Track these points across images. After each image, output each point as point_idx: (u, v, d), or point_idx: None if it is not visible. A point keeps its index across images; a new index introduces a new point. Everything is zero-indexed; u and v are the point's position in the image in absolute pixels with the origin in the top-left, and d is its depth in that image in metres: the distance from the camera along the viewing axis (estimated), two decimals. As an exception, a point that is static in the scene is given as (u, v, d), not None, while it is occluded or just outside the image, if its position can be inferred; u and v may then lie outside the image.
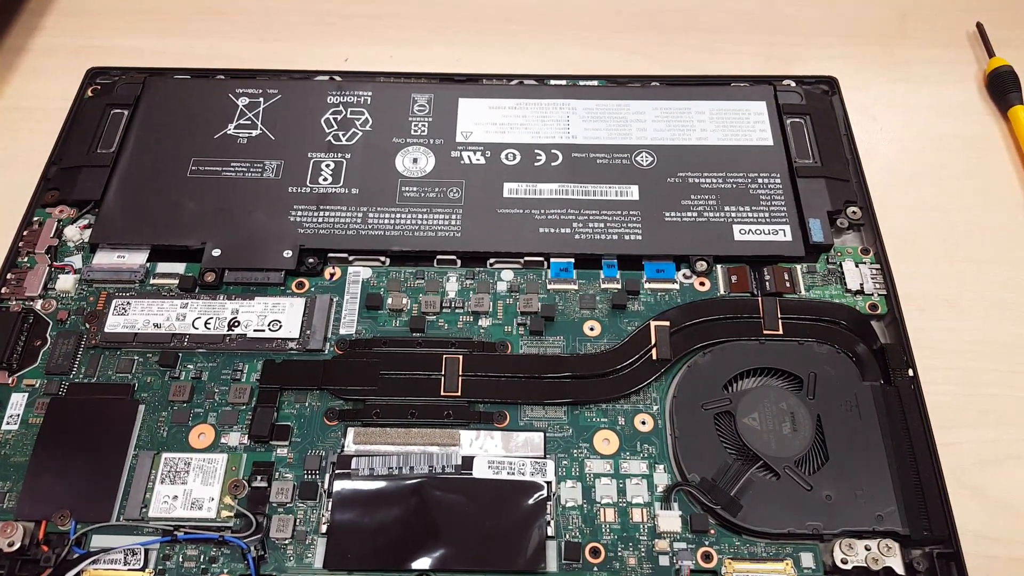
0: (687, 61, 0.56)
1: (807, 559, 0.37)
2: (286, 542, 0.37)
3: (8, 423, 0.40)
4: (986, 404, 0.43)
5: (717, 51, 0.57)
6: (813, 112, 0.50)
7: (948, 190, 0.50)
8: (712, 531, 0.37)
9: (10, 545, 0.37)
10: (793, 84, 0.52)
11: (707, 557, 0.37)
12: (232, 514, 0.37)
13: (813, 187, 0.47)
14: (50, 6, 0.59)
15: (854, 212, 0.46)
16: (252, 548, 0.36)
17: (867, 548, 0.37)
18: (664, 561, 0.37)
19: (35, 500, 0.38)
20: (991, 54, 0.55)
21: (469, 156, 0.48)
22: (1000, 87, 0.54)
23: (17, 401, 0.40)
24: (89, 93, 0.52)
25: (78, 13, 0.59)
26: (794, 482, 0.38)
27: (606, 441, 0.40)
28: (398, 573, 0.36)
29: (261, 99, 0.50)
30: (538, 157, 0.48)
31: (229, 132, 0.49)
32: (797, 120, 0.50)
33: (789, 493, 0.38)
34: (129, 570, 0.36)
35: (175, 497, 0.38)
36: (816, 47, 0.57)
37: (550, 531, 0.37)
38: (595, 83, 0.53)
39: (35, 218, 0.46)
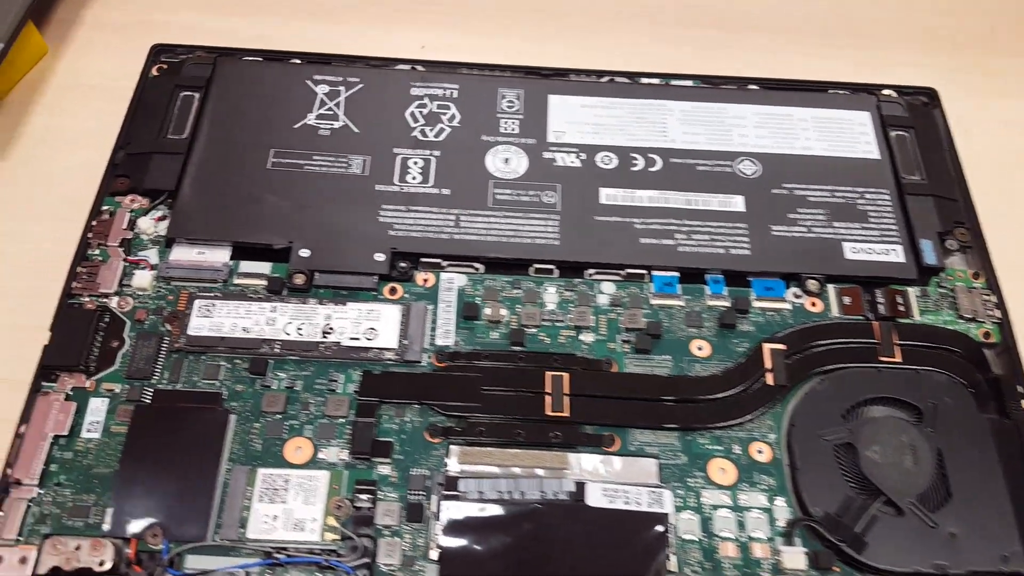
0: (776, 63, 0.54)
1: (932, 599, 0.36)
2: (394, 569, 0.35)
3: (89, 430, 0.38)
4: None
5: (807, 54, 0.55)
6: (917, 125, 0.49)
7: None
8: (836, 568, 0.36)
9: (100, 564, 0.35)
10: (894, 94, 0.50)
11: (831, 595, 0.36)
12: (337, 537, 0.36)
13: (922, 206, 0.46)
14: (103, -27, 0.56)
15: (963, 233, 0.45)
16: (358, 574, 0.35)
17: (993, 592, 0.36)
18: (787, 598, 0.36)
19: (124, 516, 0.36)
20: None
21: (563, 158, 0.46)
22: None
23: (97, 407, 0.38)
24: (154, 72, 0.49)
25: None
26: (918, 519, 0.37)
27: (722, 471, 0.38)
28: (512, 604, 0.35)
29: (342, 88, 0.48)
30: (635, 161, 0.46)
31: (310, 122, 0.47)
32: (901, 133, 0.48)
33: (913, 530, 0.37)
34: (228, 595, 0.35)
35: (275, 517, 0.36)
36: (905, 54, 0.56)
37: (671, 566, 0.35)
38: (689, 83, 0.51)
39: (104, 207, 0.44)
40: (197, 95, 0.47)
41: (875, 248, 0.44)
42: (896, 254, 0.44)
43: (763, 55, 0.55)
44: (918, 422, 0.40)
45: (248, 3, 0.55)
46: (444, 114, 0.48)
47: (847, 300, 0.43)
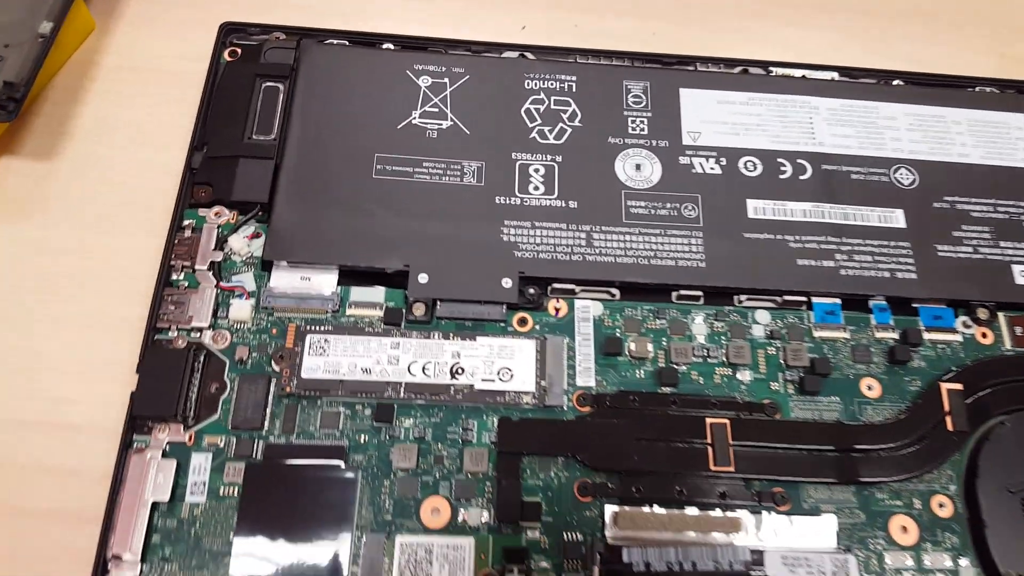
0: (909, 54, 0.48)
1: None
2: (556, 653, 0.31)
3: (193, 493, 0.33)
4: None
5: (941, 42, 0.49)
6: (1077, 127, 0.44)
7: None
8: (1037, 641, 0.33)
9: (223, 654, 0.30)
10: (1051, 89, 0.45)
11: (1033, 673, 0.32)
12: (490, 618, 0.31)
13: (1096, 221, 0.41)
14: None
15: None
16: (517, 660, 0.31)
17: None
18: (985, 677, 0.32)
19: (244, 595, 0.31)
20: None
21: (701, 164, 0.41)
22: None
23: (200, 465, 0.33)
24: (227, 57, 0.42)
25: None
26: (1126, 586, 0.33)
27: (903, 529, 0.34)
28: None
29: (446, 80, 0.42)
30: (783, 168, 0.41)
31: (415, 121, 0.40)
32: (1064, 137, 0.43)
33: (1118, 596, 0.33)
34: None
35: (418, 595, 0.31)
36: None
37: (865, 645, 0.32)
38: (829, 76, 0.45)
39: (186, 221, 0.38)
40: (282, 86, 0.41)
41: (1050, 271, 0.39)
42: (1075, 278, 0.39)
43: (904, 43, 0.49)
44: (1115, 473, 0.35)
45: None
46: (563, 111, 0.42)
47: (1019, 331, 0.38)
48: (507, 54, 0.44)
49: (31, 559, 0.33)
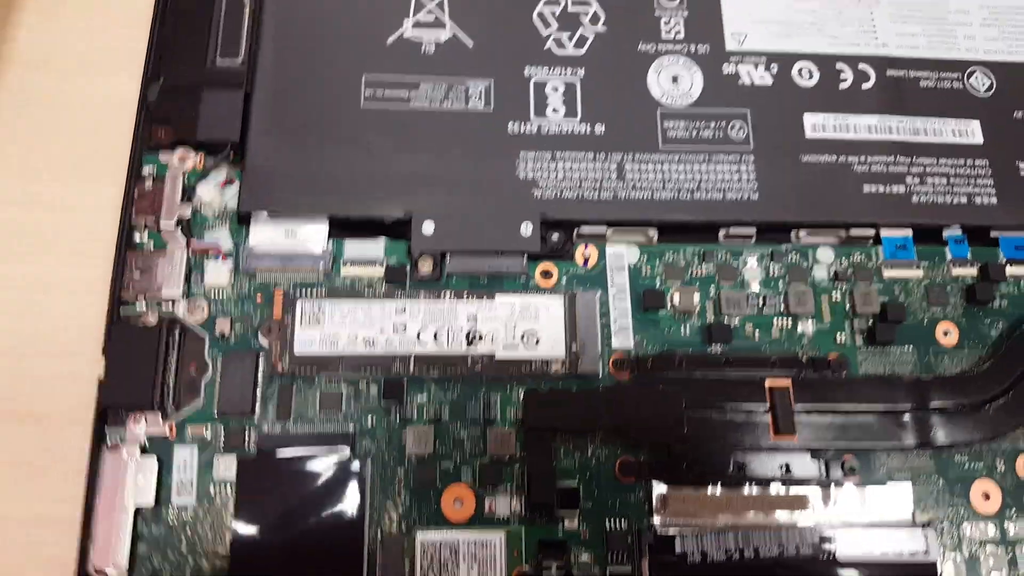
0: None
1: None
2: (602, 653, 0.27)
3: (180, 495, 0.27)
4: None
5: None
6: None
7: None
8: None
9: (228, 676, 0.26)
10: None
11: None
12: (528, 622, 0.27)
13: None
14: None
15: None
16: (560, 666, 0.26)
17: None
18: (1077, 654, 0.28)
19: (248, 609, 0.26)
20: None
21: (750, 72, 0.34)
22: None
23: (185, 461, 0.28)
24: (180, -40, 0.34)
25: None
26: None
27: (985, 496, 0.29)
28: None
29: (443, -21, 0.34)
30: (843, 75, 0.34)
31: (407, 35, 0.33)
32: None
33: None
34: None
35: (444, 600, 0.27)
36: None
37: (943, 628, 0.27)
38: (891, -42, 0.37)
39: (145, 166, 0.31)
40: (246, -3, 0.33)
41: None
42: None
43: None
44: None
45: None
46: (584, 12, 0.34)
47: (1122, 262, 0.33)
48: (512, -56, 0.35)
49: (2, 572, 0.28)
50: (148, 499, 0.27)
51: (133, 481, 0.27)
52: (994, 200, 0.32)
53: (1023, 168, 0.33)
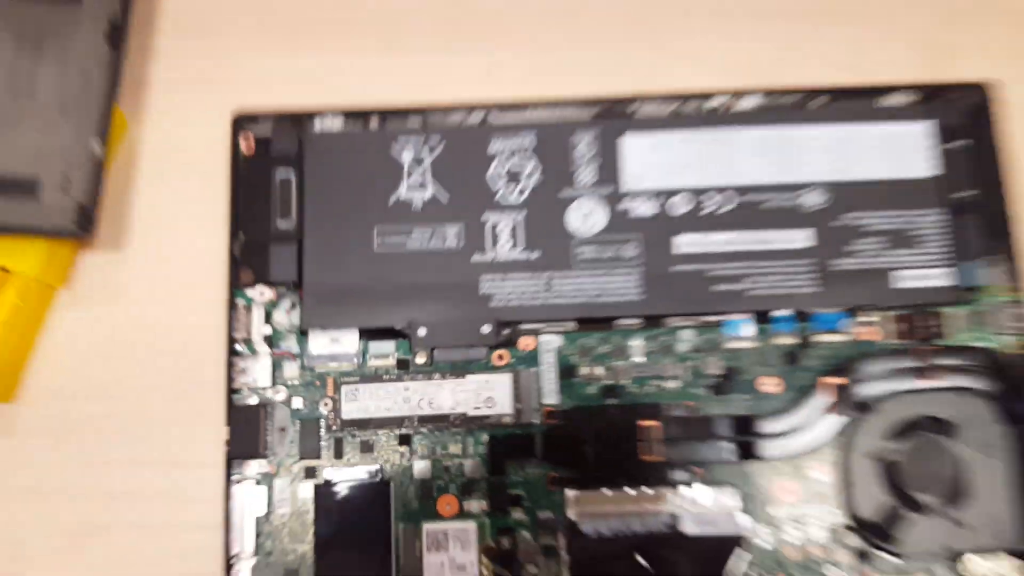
0: (834, 60, 0.62)
1: (941, 572, 0.53)
2: (537, 595, 0.54)
3: (280, 507, 0.55)
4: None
5: (867, 40, 0.63)
6: (973, 132, 0.59)
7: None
8: (874, 559, 0.54)
9: (317, 611, 0.53)
10: (953, 96, 0.59)
11: (873, 583, 0.53)
12: (490, 573, 0.54)
13: (969, 223, 0.57)
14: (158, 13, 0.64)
15: (1003, 249, 0.57)
16: (511, 602, 0.53)
17: (992, 563, 0.53)
18: (839, 589, 0.54)
19: (327, 570, 0.54)
20: None
21: (639, 207, 0.58)
22: None
23: (282, 487, 0.55)
24: (243, 148, 0.60)
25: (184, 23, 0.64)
26: (940, 515, 0.54)
27: (789, 492, 0.55)
28: (630, 614, 0.53)
29: (425, 152, 0.59)
30: (707, 203, 0.58)
31: (403, 196, 0.58)
32: (958, 144, 0.58)
33: (933, 523, 0.54)
34: (417, 624, 0.53)
35: (442, 564, 0.54)
36: (973, 35, 0.63)
37: (751, 572, 0.53)
38: (754, 100, 0.60)
39: (238, 300, 0.57)
40: (292, 174, 0.59)
41: (922, 273, 0.57)
42: (940, 278, 0.56)
43: (823, 46, 0.63)
44: (951, 437, 0.55)
45: (312, 42, 0.64)
46: (523, 168, 0.59)
47: (894, 327, 0.56)
48: (475, 114, 0.60)
49: (176, 561, 0.56)
50: (262, 511, 0.54)
51: (252, 501, 0.55)
52: (812, 289, 0.56)
53: (833, 264, 0.57)
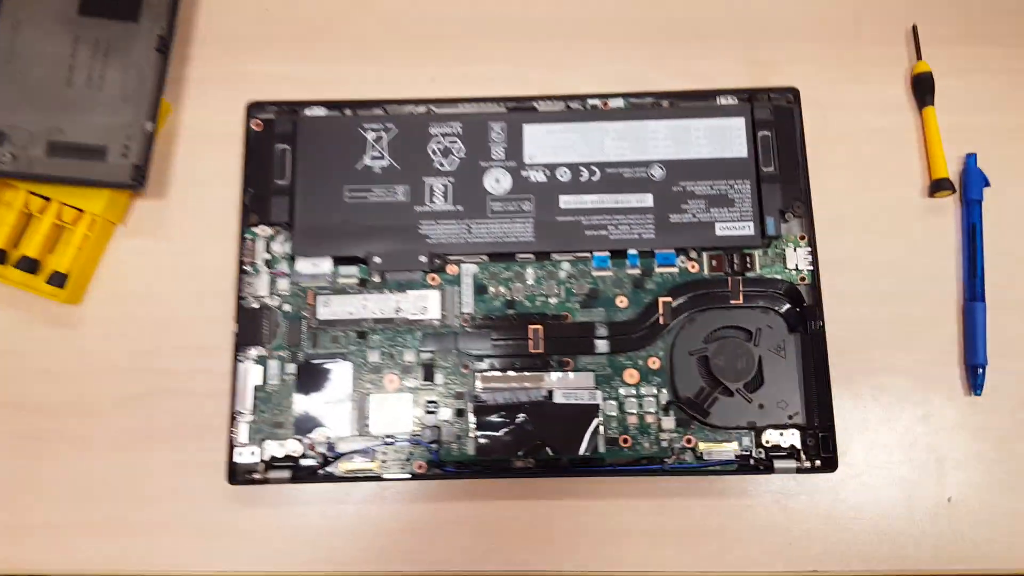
0: (688, 71, 0.84)
1: (745, 441, 0.74)
2: (452, 441, 0.74)
3: (272, 380, 0.76)
4: (873, 336, 0.78)
5: (708, 56, 0.85)
6: (778, 124, 0.80)
7: (869, 174, 0.82)
8: (692, 426, 0.75)
9: (295, 452, 0.74)
10: (767, 98, 0.81)
11: (688, 441, 0.74)
12: (420, 428, 0.75)
13: (771, 190, 0.78)
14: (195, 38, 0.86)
15: (797, 207, 0.78)
16: (433, 446, 0.74)
17: (780, 434, 0.74)
18: (664, 444, 0.74)
19: (303, 425, 0.75)
20: (919, 57, 0.83)
21: (534, 175, 0.79)
22: (920, 88, 0.83)
23: (274, 366, 0.76)
24: (253, 127, 0.81)
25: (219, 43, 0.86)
26: (742, 398, 0.75)
27: (631, 375, 0.76)
28: (516, 456, 0.74)
29: (383, 133, 0.80)
30: (582, 174, 0.79)
31: (367, 163, 0.80)
32: (766, 133, 0.80)
33: (738, 404, 0.75)
34: (366, 462, 0.74)
35: (384, 421, 0.75)
36: (788, 51, 0.85)
37: (600, 431, 0.74)
38: (621, 102, 0.82)
39: (247, 236, 0.79)
40: (288, 147, 0.80)
41: (736, 225, 0.78)
42: (749, 228, 0.78)
43: (676, 61, 0.84)
44: (749, 340, 0.76)
45: (305, 52, 0.86)
46: (454, 146, 0.80)
47: (714, 263, 0.78)
48: (420, 108, 0.81)
49: (196, 417, 0.77)
50: (259, 381, 0.75)
51: (252, 376, 0.76)
52: (653, 236, 0.78)
53: (672, 218, 0.78)
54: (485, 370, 0.76)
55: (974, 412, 0.77)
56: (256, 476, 0.74)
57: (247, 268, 0.78)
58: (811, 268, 0.78)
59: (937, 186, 0.81)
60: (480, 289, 0.78)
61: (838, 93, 0.84)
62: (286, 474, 0.74)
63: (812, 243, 0.78)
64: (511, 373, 0.76)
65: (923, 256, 0.80)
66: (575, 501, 0.76)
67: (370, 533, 0.76)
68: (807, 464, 0.74)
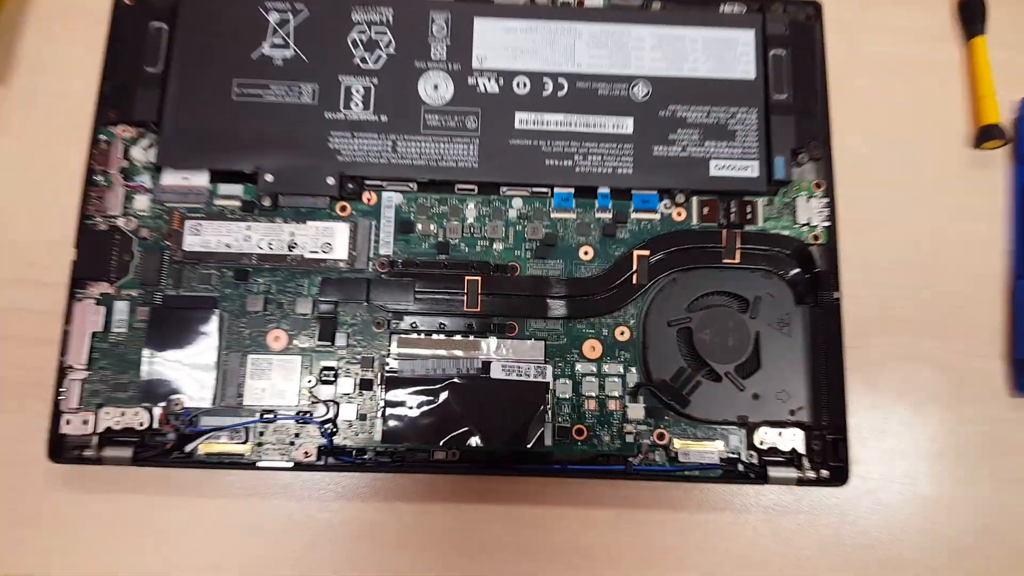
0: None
1: (734, 440, 0.56)
2: (352, 422, 0.55)
3: (117, 326, 0.56)
4: (900, 316, 0.61)
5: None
6: (795, 43, 0.62)
7: (903, 115, 0.64)
8: (667, 417, 0.56)
9: (140, 424, 0.55)
10: (783, 9, 0.63)
11: (660, 436, 0.56)
12: (310, 402, 0.55)
13: (783, 123, 0.60)
14: None
15: (814, 147, 0.60)
16: (326, 427, 0.55)
17: (780, 434, 0.56)
18: (630, 439, 0.56)
19: (153, 390, 0.55)
20: (968, -23, 0.66)
21: (484, 84, 0.60)
22: (968, 14, 0.65)
23: (121, 308, 0.56)
24: (127, 1, 0.61)
25: None
26: (731, 384, 0.56)
27: (592, 348, 0.57)
28: (436, 447, 0.55)
29: (290, 15, 0.60)
30: (546, 86, 0.60)
31: (265, 52, 0.60)
32: (779, 52, 0.62)
33: (727, 392, 0.57)
34: (235, 443, 0.55)
35: (263, 389, 0.55)
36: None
37: (547, 418, 0.55)
38: (599, 2, 0.63)
39: (101, 136, 0.59)
40: (165, 26, 0.60)
41: (736, 164, 0.60)
42: (752, 169, 0.60)
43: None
44: (744, 311, 0.58)
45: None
46: (381, 40, 0.61)
47: (706, 211, 0.60)
48: (341, -11, 0.62)
49: (15, 369, 0.57)
50: (99, 327, 0.55)
51: (91, 318, 0.56)
52: (630, 172, 0.59)
53: (657, 150, 0.60)
54: (404, 332, 0.57)
55: (1020, 417, 0.59)
56: (88, 453, 0.55)
57: (97, 178, 0.58)
58: (827, 224, 0.60)
59: (985, 134, 0.63)
60: (404, 226, 0.59)
61: (869, 13, 0.66)
62: (127, 452, 0.54)
63: (830, 193, 0.60)
64: (437, 337, 0.57)
65: (965, 220, 0.63)
66: (510, 507, 0.57)
67: (236, 536, 0.56)
68: (810, 474, 0.56)
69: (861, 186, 0.62)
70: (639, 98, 0.61)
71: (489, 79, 0.61)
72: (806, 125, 0.61)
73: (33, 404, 0.56)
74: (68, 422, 0.55)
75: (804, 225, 0.60)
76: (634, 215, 0.59)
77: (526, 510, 0.57)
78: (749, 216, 0.60)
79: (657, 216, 0.60)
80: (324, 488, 0.57)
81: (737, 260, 0.59)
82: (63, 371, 0.55)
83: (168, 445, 0.55)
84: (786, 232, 0.60)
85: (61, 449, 0.55)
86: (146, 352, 0.55)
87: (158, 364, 0.55)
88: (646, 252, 0.58)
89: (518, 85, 0.61)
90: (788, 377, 0.57)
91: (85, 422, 0.55)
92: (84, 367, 0.55)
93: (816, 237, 0.60)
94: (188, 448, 0.55)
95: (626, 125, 0.60)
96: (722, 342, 0.57)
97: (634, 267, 0.58)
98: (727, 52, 0.62)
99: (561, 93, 0.61)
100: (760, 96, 0.61)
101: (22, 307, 0.58)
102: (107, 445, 0.55)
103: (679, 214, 0.60)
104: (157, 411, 0.55)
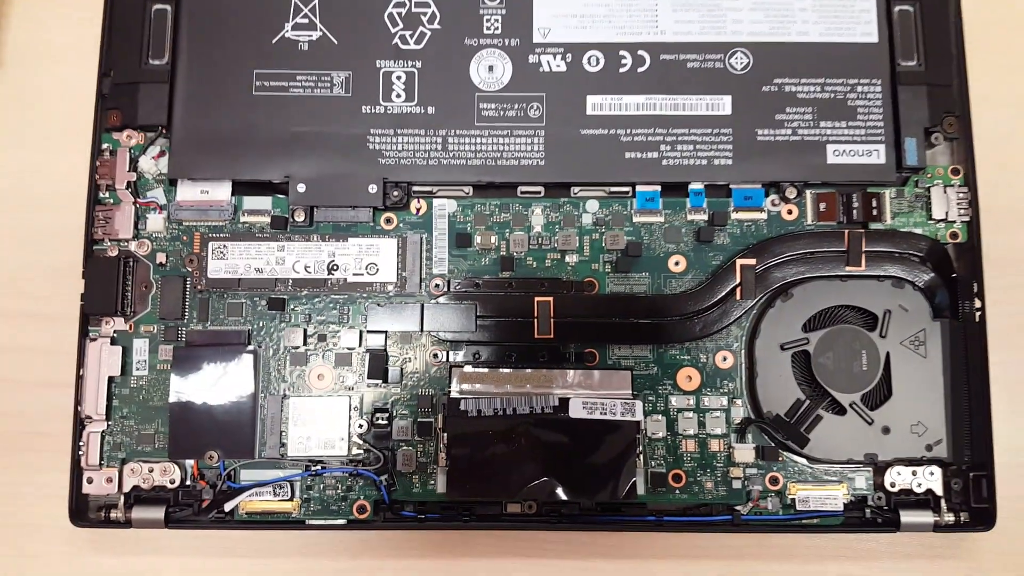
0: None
1: (860, 482, 0.46)
2: (412, 472, 0.46)
3: (138, 368, 0.47)
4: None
5: None
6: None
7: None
8: (781, 458, 0.46)
9: (171, 482, 0.46)
10: (907, -47, 0.50)
11: (774, 481, 0.46)
12: (363, 450, 0.46)
13: (914, 96, 0.48)
14: None
15: (950, 124, 0.48)
16: (383, 479, 0.45)
17: (913, 473, 0.46)
18: (737, 485, 0.46)
19: (183, 442, 0.46)
20: None
21: (548, 62, 0.49)
22: None
23: (140, 347, 0.47)
24: (120, -21, 0.50)
25: None
26: (858, 416, 0.46)
27: (688, 378, 0.47)
28: (510, 498, 0.45)
29: (315, -12, 0.49)
30: (624, 61, 0.48)
31: (288, 35, 0.49)
32: (906, 8, 0.49)
33: (852, 426, 0.46)
34: (279, 500, 0.46)
35: (309, 437, 0.46)
36: None
37: (638, 463, 0.45)
38: (684, -48, 0.50)
39: (104, 144, 0.48)
40: (169, 8, 0.49)
41: (858, 149, 0.48)
42: (878, 155, 0.48)
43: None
44: (871, 328, 0.47)
45: None
46: (424, 14, 0.49)
47: (823, 206, 0.48)
48: (372, -47, 0.50)
49: (26, 418, 0.48)
50: (116, 371, 0.46)
51: (107, 360, 0.46)
52: (730, 162, 0.47)
53: (760, 134, 0.48)
54: (465, 363, 0.47)
55: None
56: (114, 516, 0.46)
57: (103, 195, 0.48)
58: (967, 219, 0.48)
59: None
60: (460, 239, 0.48)
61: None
62: (158, 513, 0.46)
63: (971, 181, 0.48)
64: (504, 371, 0.47)
65: None
66: (598, 562, 0.48)
67: (287, 601, 0.48)
68: (950, 519, 0.46)
69: (1008, 171, 0.50)
70: (738, 71, 0.48)
71: (554, 56, 0.49)
72: (940, 98, 0.49)
73: (51, 459, 0.47)
74: (90, 480, 0.46)
75: (940, 221, 0.48)
76: (734, 215, 0.48)
77: (616, 566, 0.48)
78: (875, 212, 0.48)
79: (763, 216, 0.48)
80: (382, 546, 0.48)
81: (862, 267, 0.47)
82: (80, 421, 0.46)
83: (204, 503, 0.46)
84: (919, 230, 0.48)
85: (83, 511, 0.47)
86: (172, 399, 0.46)
87: (188, 412, 0.46)
88: (751, 261, 0.47)
89: (589, 61, 0.49)
90: (924, 406, 0.46)
91: (109, 480, 0.46)
92: (103, 418, 0.46)
93: (954, 235, 0.48)
94: (228, 507, 0.46)
95: (723, 105, 0.48)
96: (846, 367, 0.46)
97: (737, 279, 0.47)
98: (843, 11, 0.49)
99: (642, 69, 0.49)
100: (885, 64, 0.49)
101: (29, 345, 0.49)
102: (135, 505, 0.46)
103: (790, 212, 0.48)
104: (189, 464, 0.46)
